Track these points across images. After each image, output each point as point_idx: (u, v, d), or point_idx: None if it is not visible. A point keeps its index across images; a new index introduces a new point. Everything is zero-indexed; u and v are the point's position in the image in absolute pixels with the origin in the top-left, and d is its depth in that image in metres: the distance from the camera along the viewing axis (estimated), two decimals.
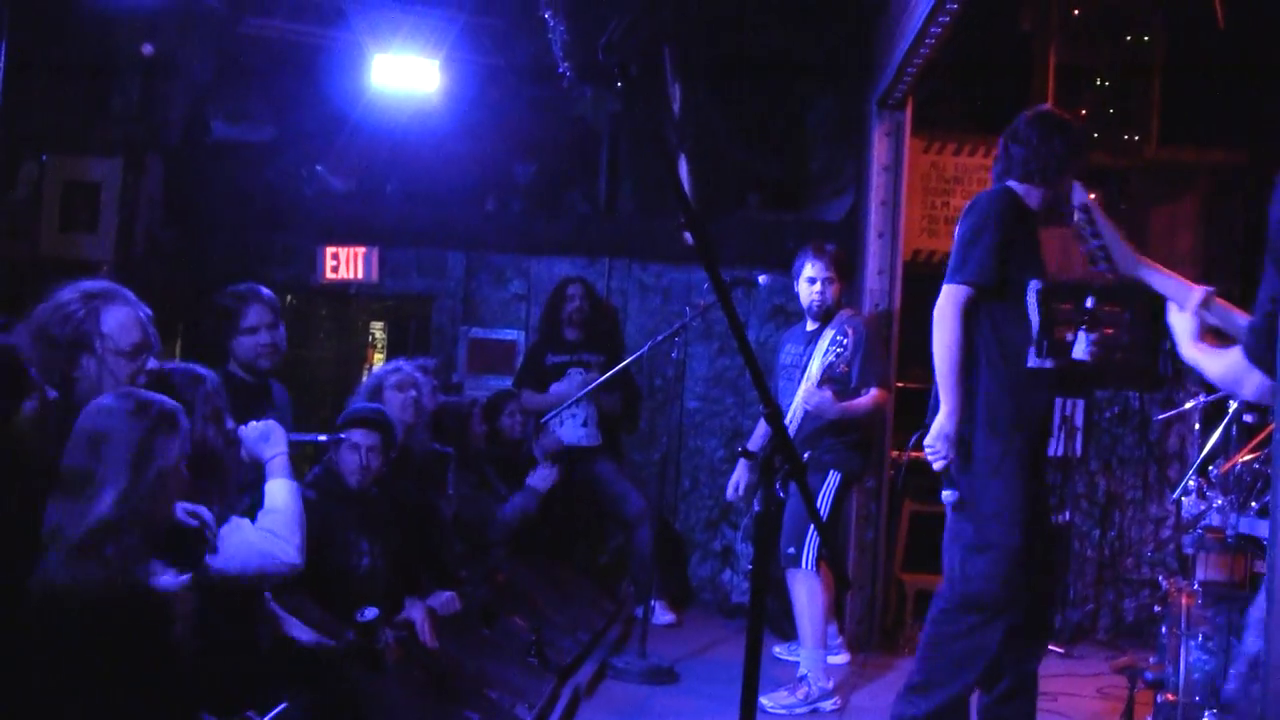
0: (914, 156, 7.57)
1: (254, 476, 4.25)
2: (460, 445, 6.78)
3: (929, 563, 7.67)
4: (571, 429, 8.17)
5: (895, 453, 7.50)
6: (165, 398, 3.49)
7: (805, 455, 6.39)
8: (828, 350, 6.34)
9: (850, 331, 6.42)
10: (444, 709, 4.78)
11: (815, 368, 6.37)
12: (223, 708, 3.54)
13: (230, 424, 4.14)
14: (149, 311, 3.99)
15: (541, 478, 7.17)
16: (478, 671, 5.31)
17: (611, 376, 7.63)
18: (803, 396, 6.35)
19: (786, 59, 8.89)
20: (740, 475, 6.95)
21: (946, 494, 5.01)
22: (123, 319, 3.86)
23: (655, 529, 7.22)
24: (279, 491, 4.05)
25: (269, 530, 3.86)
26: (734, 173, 9.14)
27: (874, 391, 6.53)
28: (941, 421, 4.88)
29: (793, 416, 6.42)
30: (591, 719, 5.82)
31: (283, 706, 3.79)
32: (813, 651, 6.31)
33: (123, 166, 8.37)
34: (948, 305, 4.96)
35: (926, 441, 4.94)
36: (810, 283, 6.67)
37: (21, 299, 4.75)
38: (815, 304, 6.65)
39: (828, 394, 6.36)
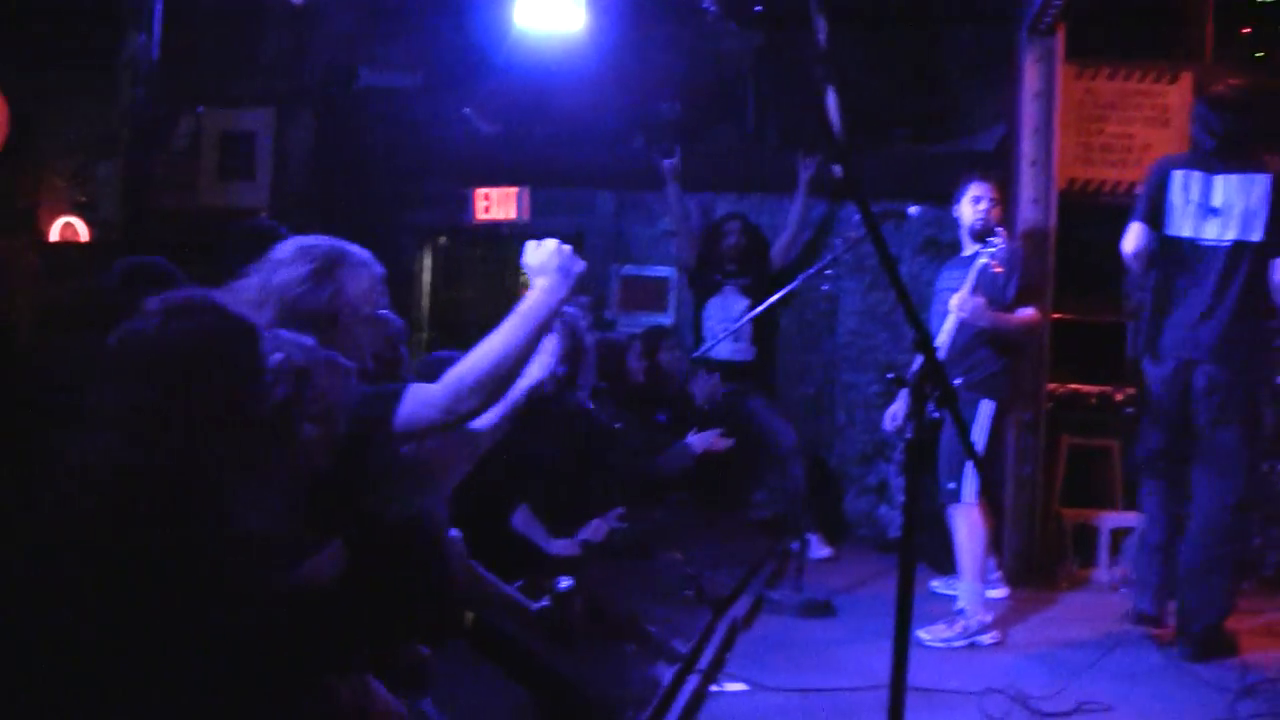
0: (1066, 84, 7.41)
1: None
2: (618, 382, 6.82)
3: (1087, 497, 7.59)
4: (725, 345, 8.05)
5: (1052, 385, 7.40)
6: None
7: (957, 382, 6.30)
8: (983, 258, 6.27)
9: (1005, 244, 6.37)
10: (601, 641, 4.83)
11: (971, 278, 6.29)
12: (388, 638, 3.55)
13: None
14: (381, 269, 3.66)
15: (702, 440, 7.15)
16: (634, 605, 5.37)
17: (766, 308, 7.58)
18: (956, 302, 6.28)
19: None
20: (898, 406, 6.88)
21: None
22: (364, 284, 3.54)
23: (808, 464, 7.18)
24: None
25: None
26: (881, 105, 9.02)
27: (1029, 311, 6.45)
28: None
29: (946, 334, 6.33)
30: (749, 651, 5.83)
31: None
32: (972, 585, 6.25)
33: (274, 116, 8.56)
34: None
35: None
36: (975, 202, 6.59)
37: (185, 247, 4.85)
38: (979, 223, 6.53)
39: (980, 300, 6.28)
